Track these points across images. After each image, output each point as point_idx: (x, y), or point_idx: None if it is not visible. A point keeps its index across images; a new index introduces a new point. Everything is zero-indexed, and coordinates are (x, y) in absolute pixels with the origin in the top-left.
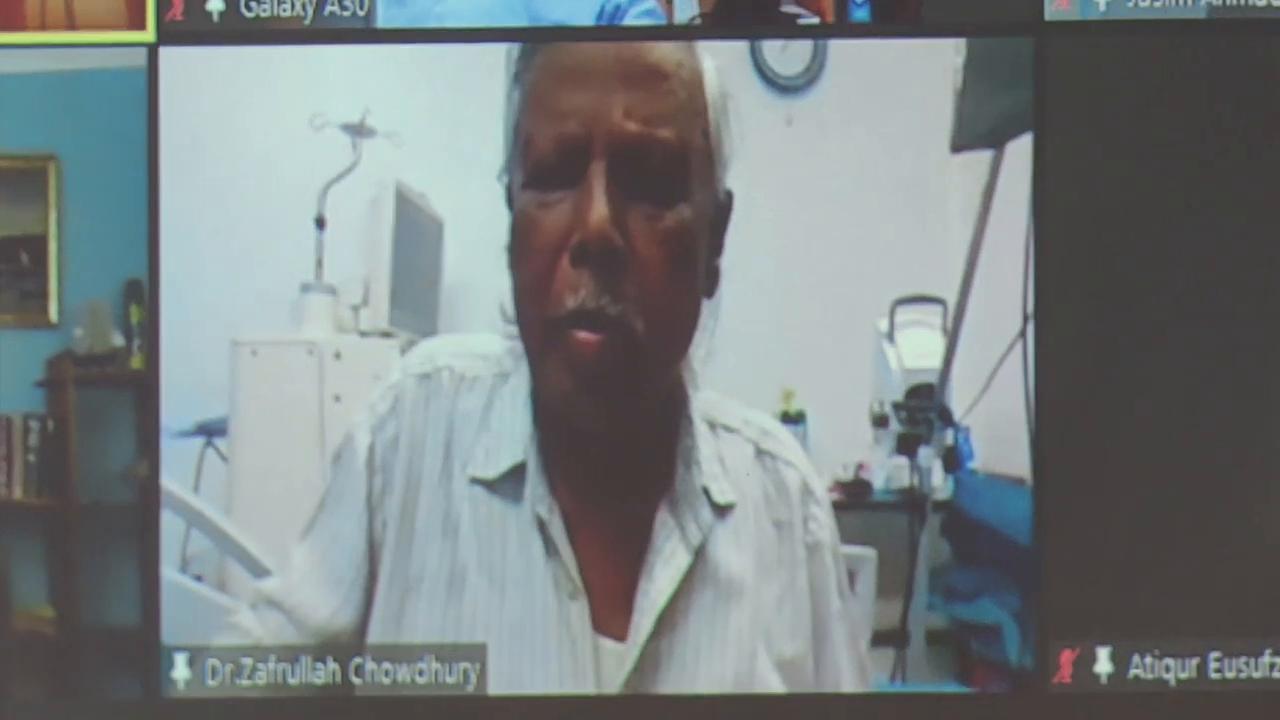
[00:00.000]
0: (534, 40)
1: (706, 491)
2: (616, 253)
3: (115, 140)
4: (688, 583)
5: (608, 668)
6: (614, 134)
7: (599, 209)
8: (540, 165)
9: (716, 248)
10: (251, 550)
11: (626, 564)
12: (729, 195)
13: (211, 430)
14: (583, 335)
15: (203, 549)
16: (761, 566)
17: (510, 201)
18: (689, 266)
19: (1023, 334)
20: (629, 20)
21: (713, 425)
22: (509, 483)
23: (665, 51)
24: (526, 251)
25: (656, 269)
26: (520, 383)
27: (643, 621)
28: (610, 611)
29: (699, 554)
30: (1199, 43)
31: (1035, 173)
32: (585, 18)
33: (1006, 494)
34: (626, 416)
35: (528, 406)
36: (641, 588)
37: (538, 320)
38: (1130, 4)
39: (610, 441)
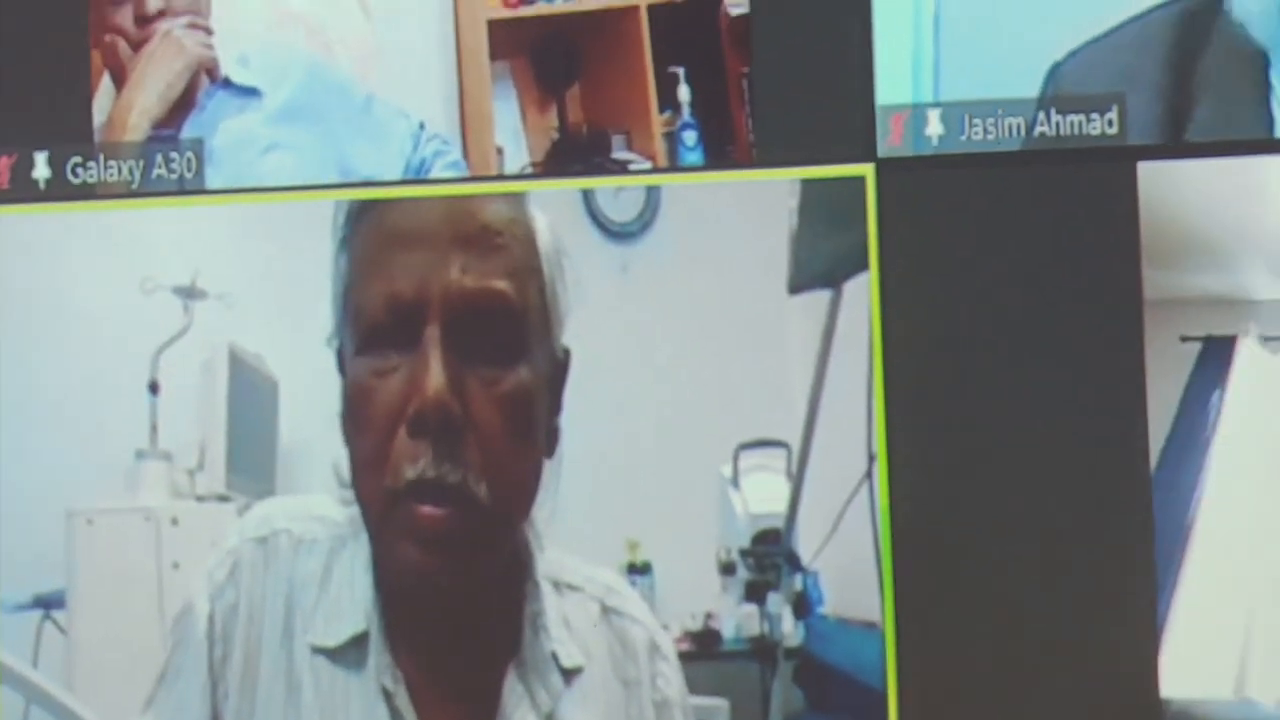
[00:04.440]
0: (363, 195)
1: (555, 657)
2: (454, 421)
3: None
4: None
5: None
6: (449, 293)
7: (435, 378)
8: (373, 331)
9: (555, 406)
10: None
11: None
12: (566, 353)
13: (49, 603)
14: (425, 508)
15: None
16: None
17: (341, 368)
18: (529, 428)
19: (869, 474)
20: (435, 175)
21: (557, 585)
22: (351, 652)
23: (496, 209)
24: (362, 422)
25: (496, 434)
26: (359, 549)
27: None
28: None
29: None
30: (1025, 174)
31: (874, 310)
32: (393, 174)
33: (858, 638)
34: (470, 583)
35: (369, 573)
36: None
37: (377, 491)
38: (963, 138)
39: (454, 609)
